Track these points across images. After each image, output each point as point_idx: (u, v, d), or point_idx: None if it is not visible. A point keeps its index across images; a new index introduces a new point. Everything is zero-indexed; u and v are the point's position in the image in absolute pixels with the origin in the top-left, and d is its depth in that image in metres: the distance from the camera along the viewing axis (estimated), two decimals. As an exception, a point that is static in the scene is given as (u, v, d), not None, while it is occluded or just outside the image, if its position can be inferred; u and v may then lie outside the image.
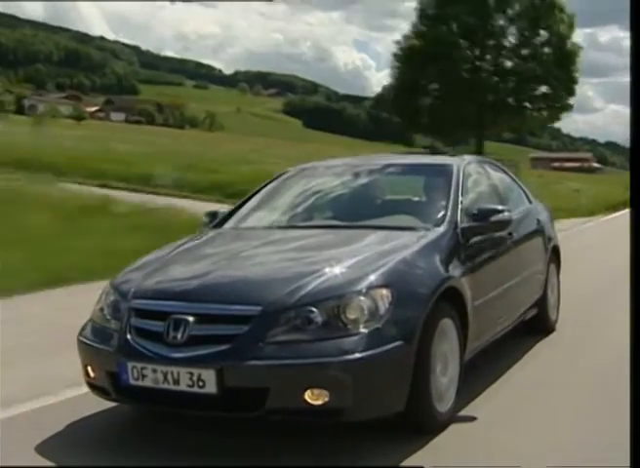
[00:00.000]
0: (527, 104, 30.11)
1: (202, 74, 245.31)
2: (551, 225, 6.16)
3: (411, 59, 28.18)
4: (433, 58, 26.73)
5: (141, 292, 3.51)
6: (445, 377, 3.61)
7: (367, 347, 3.09)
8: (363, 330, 3.13)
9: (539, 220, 5.70)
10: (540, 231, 5.63)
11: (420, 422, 3.45)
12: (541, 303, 5.58)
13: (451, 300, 3.68)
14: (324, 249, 3.86)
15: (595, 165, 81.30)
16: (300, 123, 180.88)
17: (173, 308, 3.29)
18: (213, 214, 4.92)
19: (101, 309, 3.69)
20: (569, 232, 14.61)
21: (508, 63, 28.41)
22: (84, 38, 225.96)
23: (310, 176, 5.13)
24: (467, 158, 5.05)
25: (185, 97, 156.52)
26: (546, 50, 28.72)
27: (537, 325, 5.63)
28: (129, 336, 3.34)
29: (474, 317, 3.92)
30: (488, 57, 28.19)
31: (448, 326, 3.64)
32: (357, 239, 3.95)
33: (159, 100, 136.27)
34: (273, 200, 4.95)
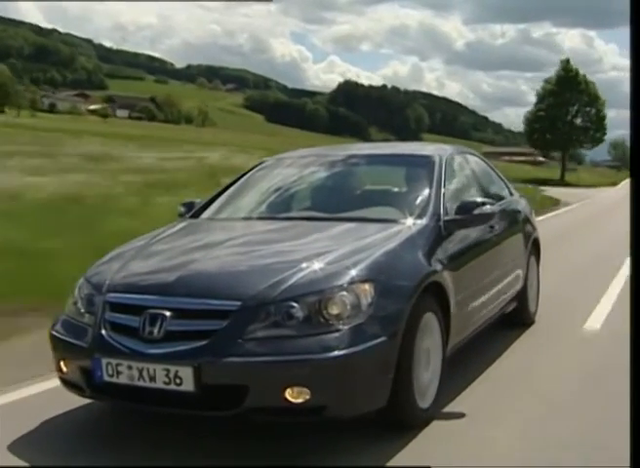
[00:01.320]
0: (583, 138, 60.99)
1: (155, 68, 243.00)
2: (531, 218, 6.13)
3: (536, 119, 59.36)
4: (547, 118, 58.15)
5: (116, 286, 3.40)
6: (427, 372, 3.56)
7: (349, 344, 3.01)
8: (345, 325, 3.05)
9: (519, 213, 5.66)
10: (520, 224, 5.59)
11: (402, 418, 3.39)
12: (521, 296, 5.55)
13: (434, 295, 3.62)
14: (304, 241, 3.77)
15: (540, 158, 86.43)
16: (261, 118, 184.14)
17: (149, 302, 3.19)
18: (189, 205, 4.80)
19: (75, 303, 3.58)
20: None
21: (579, 121, 59.67)
22: (41, 32, 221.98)
23: (288, 166, 5.02)
24: (449, 148, 4.97)
25: (163, 93, 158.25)
26: (592, 114, 59.55)
27: (516, 317, 5.60)
28: (103, 331, 3.24)
29: (457, 311, 3.86)
30: (568, 118, 59.20)
31: (431, 320, 3.57)
32: (338, 231, 3.86)
33: (154, 97, 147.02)
34: (251, 190, 4.84)
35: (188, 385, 2.97)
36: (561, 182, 50.57)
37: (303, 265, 3.26)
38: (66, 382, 3.50)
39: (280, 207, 4.57)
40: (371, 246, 3.53)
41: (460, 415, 3.66)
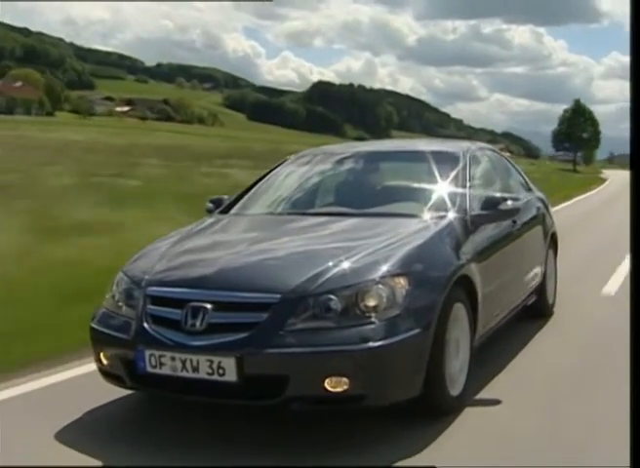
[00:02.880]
0: (586, 145, 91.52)
1: (127, 66, 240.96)
2: (549, 213, 6.21)
3: (559, 134, 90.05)
4: (566, 133, 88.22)
5: (157, 280, 3.50)
6: (457, 362, 3.66)
7: (386, 335, 3.11)
8: (381, 317, 3.15)
9: (538, 208, 5.75)
10: (539, 219, 5.68)
11: (435, 406, 3.50)
12: (541, 289, 5.65)
13: (463, 287, 3.72)
14: (338, 236, 3.87)
15: (506, 153, 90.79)
16: (242, 116, 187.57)
17: (190, 295, 3.29)
18: (217, 201, 4.89)
19: (113, 296, 3.68)
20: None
21: (585, 135, 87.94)
22: (29, 34, 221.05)
23: (313, 163, 5.10)
24: (471, 145, 5.07)
25: (144, 92, 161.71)
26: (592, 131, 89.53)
27: (535, 310, 5.69)
28: (145, 324, 3.33)
29: (484, 303, 3.96)
30: (578, 134, 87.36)
31: (460, 312, 3.68)
32: (370, 226, 3.96)
33: (167, 100, 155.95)
34: (276, 187, 4.93)
35: (231, 375, 3.07)
36: (575, 170, 75.21)
37: (340, 259, 3.35)
38: (106, 373, 3.60)
39: (307, 202, 4.66)
40: (402, 240, 3.63)
41: (496, 402, 3.77)
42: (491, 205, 4.22)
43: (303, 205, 4.62)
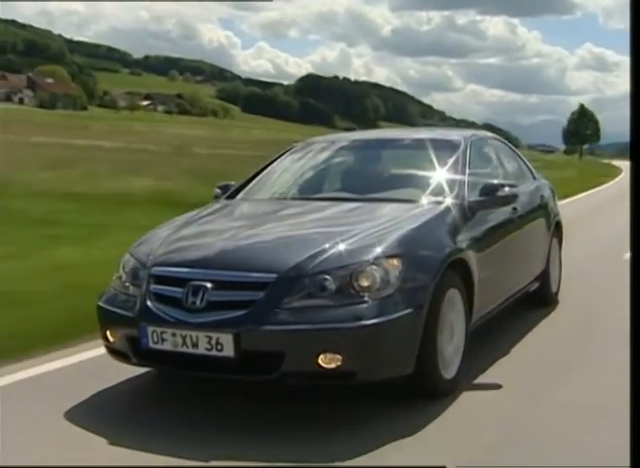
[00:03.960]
0: (589, 139, 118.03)
1: (117, 58, 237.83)
2: (554, 201, 6.27)
3: (569, 130, 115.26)
4: (574, 130, 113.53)
5: (161, 260, 3.63)
6: (451, 345, 3.75)
7: (378, 314, 3.22)
8: (375, 297, 3.26)
9: (542, 196, 5.80)
10: (543, 207, 5.74)
11: (427, 387, 3.60)
12: (544, 276, 5.72)
13: (458, 271, 3.81)
14: (336, 219, 3.99)
15: None
16: (237, 109, 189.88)
17: (191, 275, 3.42)
18: (224, 187, 5.02)
19: (120, 277, 3.81)
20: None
21: (588, 132, 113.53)
22: (25, 27, 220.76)
23: (318, 150, 5.23)
24: (474, 133, 5.15)
25: (140, 84, 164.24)
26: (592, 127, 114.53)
27: (538, 297, 5.76)
28: (149, 302, 3.47)
29: (480, 288, 4.05)
30: (583, 131, 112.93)
31: (455, 295, 3.77)
32: (368, 211, 4.08)
33: (180, 94, 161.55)
34: (283, 173, 5.05)
35: (229, 351, 3.20)
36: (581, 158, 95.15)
37: (336, 241, 3.47)
38: (112, 351, 3.74)
39: (311, 188, 4.78)
40: (399, 223, 3.74)
41: (496, 386, 3.85)
42: (489, 191, 4.31)
43: (307, 190, 4.74)
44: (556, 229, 6.08)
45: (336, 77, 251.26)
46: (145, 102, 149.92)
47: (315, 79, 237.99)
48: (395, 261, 3.39)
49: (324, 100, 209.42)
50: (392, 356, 3.33)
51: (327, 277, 3.27)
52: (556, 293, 6.08)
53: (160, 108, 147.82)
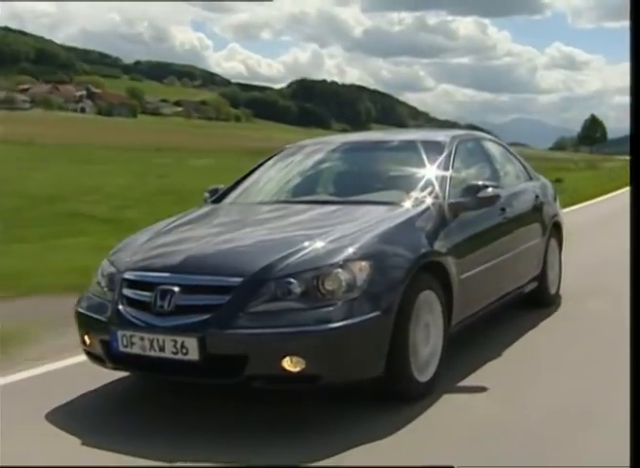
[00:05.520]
0: (598, 141, 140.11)
1: (109, 63, 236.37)
2: (553, 201, 6.17)
3: (583, 135, 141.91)
4: (587, 135, 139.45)
5: (133, 265, 3.66)
6: (427, 347, 3.71)
7: (343, 317, 3.20)
8: (340, 300, 3.24)
9: (537, 196, 5.71)
10: (538, 207, 5.64)
11: (399, 389, 3.56)
12: (541, 278, 5.63)
13: (433, 273, 3.77)
14: (313, 222, 3.97)
15: None
16: (248, 114, 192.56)
17: (160, 279, 3.44)
18: (213, 191, 5.05)
19: (98, 282, 3.85)
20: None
21: (597, 135, 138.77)
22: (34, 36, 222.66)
23: (306, 153, 5.22)
24: (461, 134, 5.10)
25: (143, 90, 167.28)
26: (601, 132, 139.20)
27: (535, 298, 5.68)
28: (120, 306, 3.50)
29: (460, 290, 4.00)
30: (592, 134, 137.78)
31: (430, 298, 3.73)
32: (346, 213, 4.05)
33: (204, 101, 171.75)
34: (270, 176, 5.06)
35: (194, 355, 3.21)
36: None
37: (304, 244, 3.46)
38: (90, 355, 3.78)
39: (295, 191, 4.79)
40: (372, 226, 3.71)
41: (481, 389, 3.79)
42: (470, 192, 4.26)
43: (290, 194, 4.74)
44: (555, 230, 5.98)
45: (324, 80, 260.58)
46: (177, 109, 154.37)
47: (311, 83, 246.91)
48: (363, 264, 3.37)
49: (319, 104, 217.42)
50: (358, 359, 3.31)
51: (292, 280, 3.26)
52: (555, 295, 5.98)
53: (194, 115, 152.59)
